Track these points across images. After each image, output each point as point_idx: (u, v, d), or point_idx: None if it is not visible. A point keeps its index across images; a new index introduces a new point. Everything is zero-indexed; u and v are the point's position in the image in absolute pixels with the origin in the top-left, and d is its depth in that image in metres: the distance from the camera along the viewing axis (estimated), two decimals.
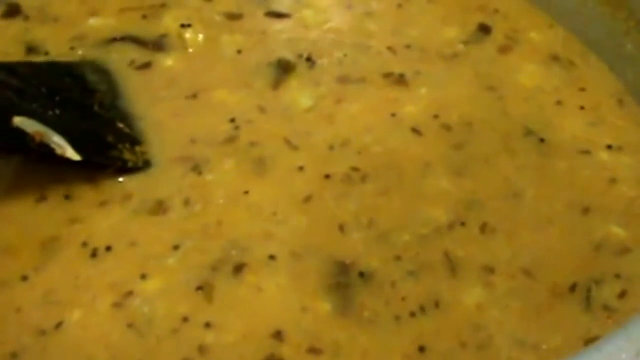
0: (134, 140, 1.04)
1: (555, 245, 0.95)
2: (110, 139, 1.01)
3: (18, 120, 0.91)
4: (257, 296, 0.89)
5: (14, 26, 1.20)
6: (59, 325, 0.87)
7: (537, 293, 0.90)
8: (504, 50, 1.18)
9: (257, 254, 0.92)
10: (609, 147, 1.07)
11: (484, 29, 1.21)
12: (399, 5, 1.26)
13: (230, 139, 1.04)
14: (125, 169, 1.00)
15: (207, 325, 0.87)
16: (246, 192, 0.99)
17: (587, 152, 1.06)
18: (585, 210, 0.99)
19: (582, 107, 1.12)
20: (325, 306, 0.88)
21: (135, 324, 0.87)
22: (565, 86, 1.14)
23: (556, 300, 0.90)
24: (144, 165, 1.01)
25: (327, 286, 0.90)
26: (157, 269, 0.91)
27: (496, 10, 1.25)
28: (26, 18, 1.22)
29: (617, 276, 0.92)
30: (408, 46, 1.18)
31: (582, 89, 1.14)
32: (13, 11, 1.23)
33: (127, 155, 1.01)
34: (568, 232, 0.97)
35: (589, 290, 0.91)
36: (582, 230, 0.97)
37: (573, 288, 0.91)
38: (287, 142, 1.04)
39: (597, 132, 1.08)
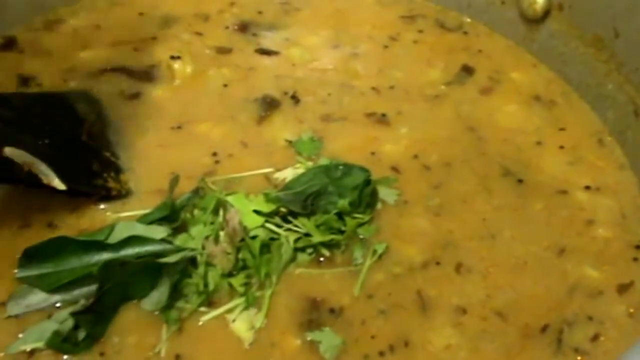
0: (119, 169, 1.05)
1: (529, 288, 0.95)
2: (96, 167, 1.03)
3: (8, 151, 0.92)
4: (226, 329, 0.89)
5: (9, 59, 1.22)
6: (31, 353, 0.86)
7: (508, 335, 0.90)
8: (486, 91, 1.20)
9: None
10: (587, 187, 1.07)
11: (467, 70, 1.23)
12: (386, 47, 1.28)
13: (209, 174, 1.04)
14: (109, 197, 1.02)
15: (177, 357, 0.86)
16: None
17: (564, 193, 1.06)
18: (561, 252, 0.99)
19: (561, 147, 1.12)
20: (294, 342, 0.88)
21: (107, 353, 0.86)
22: (546, 126, 1.15)
23: (527, 341, 0.90)
24: (127, 193, 1.03)
25: (297, 322, 0.90)
26: None
27: (480, 51, 1.27)
28: (21, 51, 1.23)
29: (590, 319, 0.92)
30: (392, 87, 1.20)
31: (563, 129, 1.15)
32: (9, 44, 1.25)
33: (111, 184, 1.02)
34: (543, 274, 0.96)
35: (560, 332, 0.90)
36: (556, 272, 0.97)
37: (544, 329, 0.90)
38: (266, 178, 1.05)
39: (576, 172, 1.09)
